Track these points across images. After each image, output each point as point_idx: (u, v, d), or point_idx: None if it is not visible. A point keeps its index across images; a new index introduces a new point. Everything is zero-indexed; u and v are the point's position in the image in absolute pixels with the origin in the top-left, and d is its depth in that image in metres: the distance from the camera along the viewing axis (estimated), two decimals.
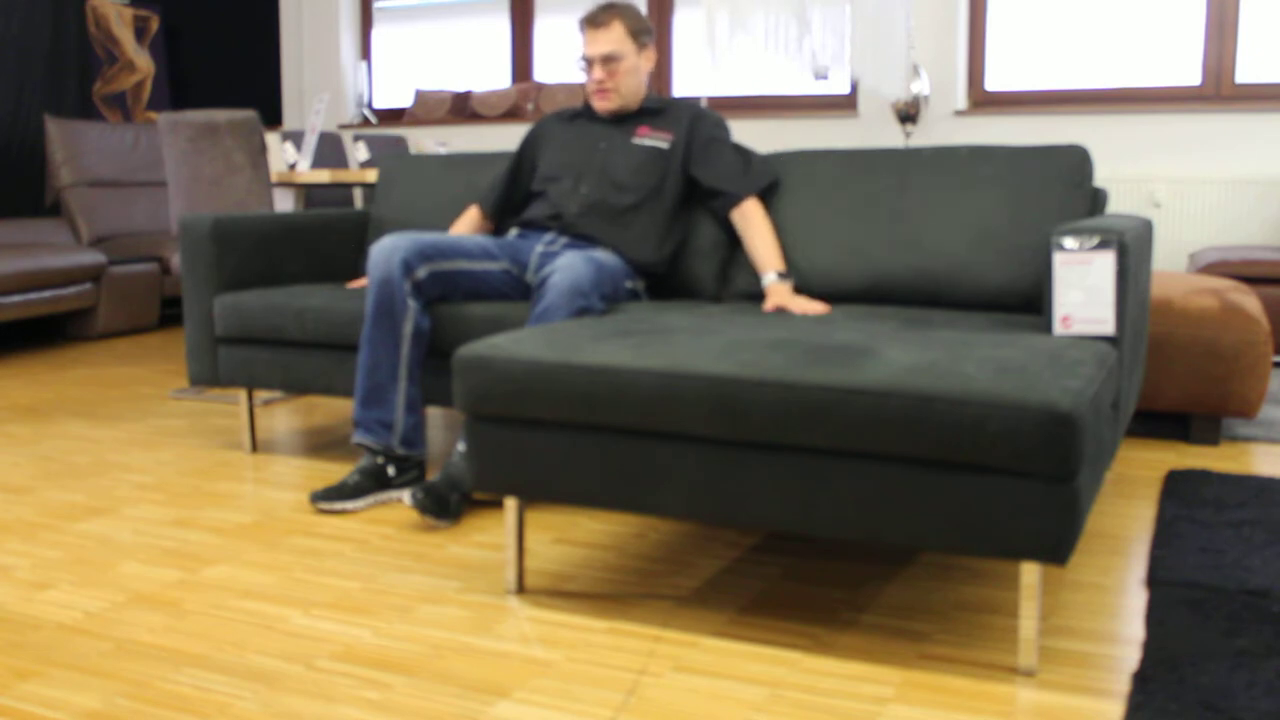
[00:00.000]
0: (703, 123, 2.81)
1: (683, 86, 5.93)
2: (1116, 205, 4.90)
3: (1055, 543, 1.59)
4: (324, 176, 3.91)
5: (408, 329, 2.54)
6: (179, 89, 7.05)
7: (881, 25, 4.95)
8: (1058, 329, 2.00)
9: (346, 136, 6.43)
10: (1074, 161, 2.54)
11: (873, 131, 5.36)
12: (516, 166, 2.98)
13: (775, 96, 5.68)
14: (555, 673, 1.69)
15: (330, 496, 2.51)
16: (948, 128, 5.22)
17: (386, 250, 2.53)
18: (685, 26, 5.89)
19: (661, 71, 5.94)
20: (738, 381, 1.73)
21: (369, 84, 6.64)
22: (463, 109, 6.27)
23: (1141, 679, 1.61)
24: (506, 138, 6.14)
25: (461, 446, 2.48)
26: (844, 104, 5.51)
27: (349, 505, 2.52)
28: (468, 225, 3.00)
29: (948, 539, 1.65)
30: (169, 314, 5.87)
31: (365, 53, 6.68)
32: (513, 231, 2.87)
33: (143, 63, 6.68)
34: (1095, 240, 1.95)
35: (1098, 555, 2.19)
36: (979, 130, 5.17)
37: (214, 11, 6.92)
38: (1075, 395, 1.57)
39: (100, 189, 5.74)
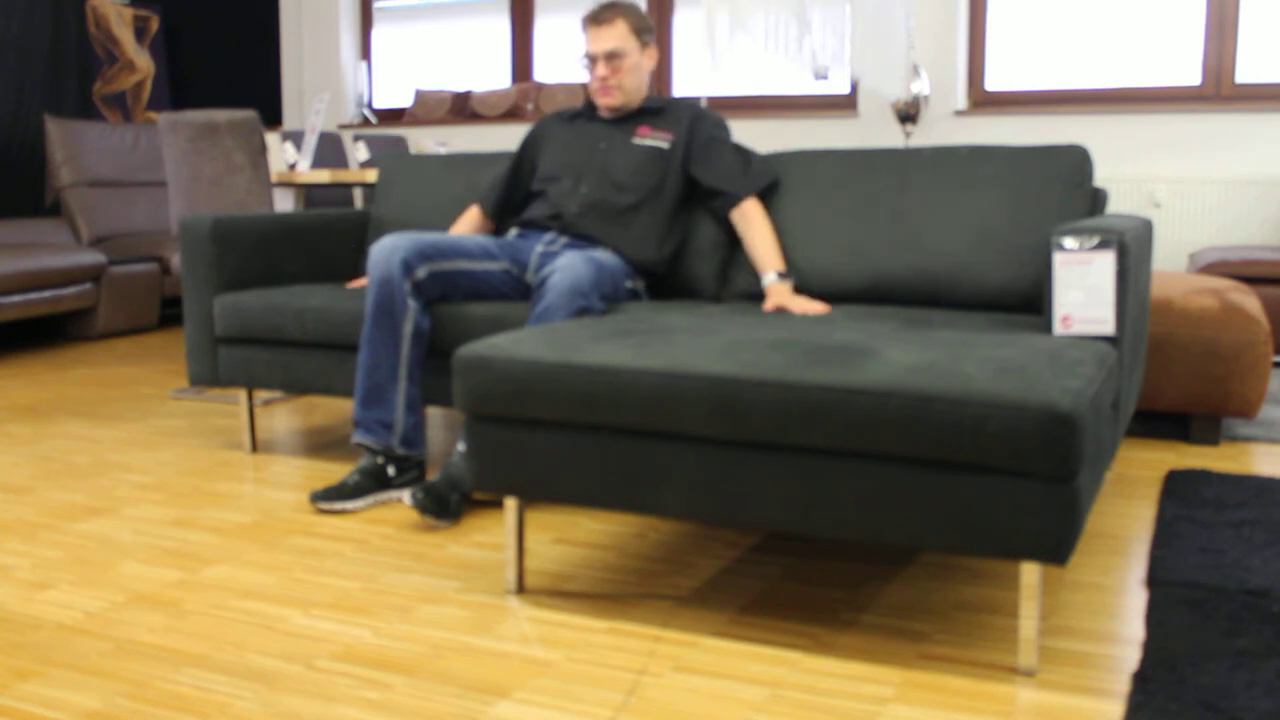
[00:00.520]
0: (703, 123, 2.81)
1: (683, 86, 5.93)
2: (1116, 205, 4.90)
3: (1055, 543, 1.59)
4: (324, 176, 3.91)
5: (408, 329, 2.54)
6: (179, 89, 7.05)
7: (881, 25, 4.95)
8: (1058, 329, 2.00)
9: (346, 136, 6.43)
10: (1074, 161, 2.54)
11: (873, 131, 5.36)
12: (517, 166, 2.98)
13: (775, 96, 5.68)
14: (555, 673, 1.69)
15: (330, 496, 2.51)
16: (948, 128, 5.22)
17: (386, 250, 2.53)
18: (685, 26, 5.89)
19: (661, 71, 5.94)
20: (738, 381, 1.73)
21: (369, 84, 6.64)
22: (463, 109, 6.27)
23: (1141, 679, 1.61)
24: (506, 138, 6.14)
25: (461, 446, 2.48)
26: (844, 104, 5.51)
27: (349, 505, 2.52)
28: (468, 225, 3.00)
29: (948, 539, 1.65)
30: (169, 314, 5.87)
31: (365, 53, 6.68)
32: (513, 231, 2.87)
33: (143, 63, 6.68)
34: (1095, 240, 1.95)
35: (1098, 555, 2.19)
36: (979, 130, 5.17)
37: (214, 11, 6.92)
38: (1075, 395, 1.57)
39: (100, 189, 5.74)
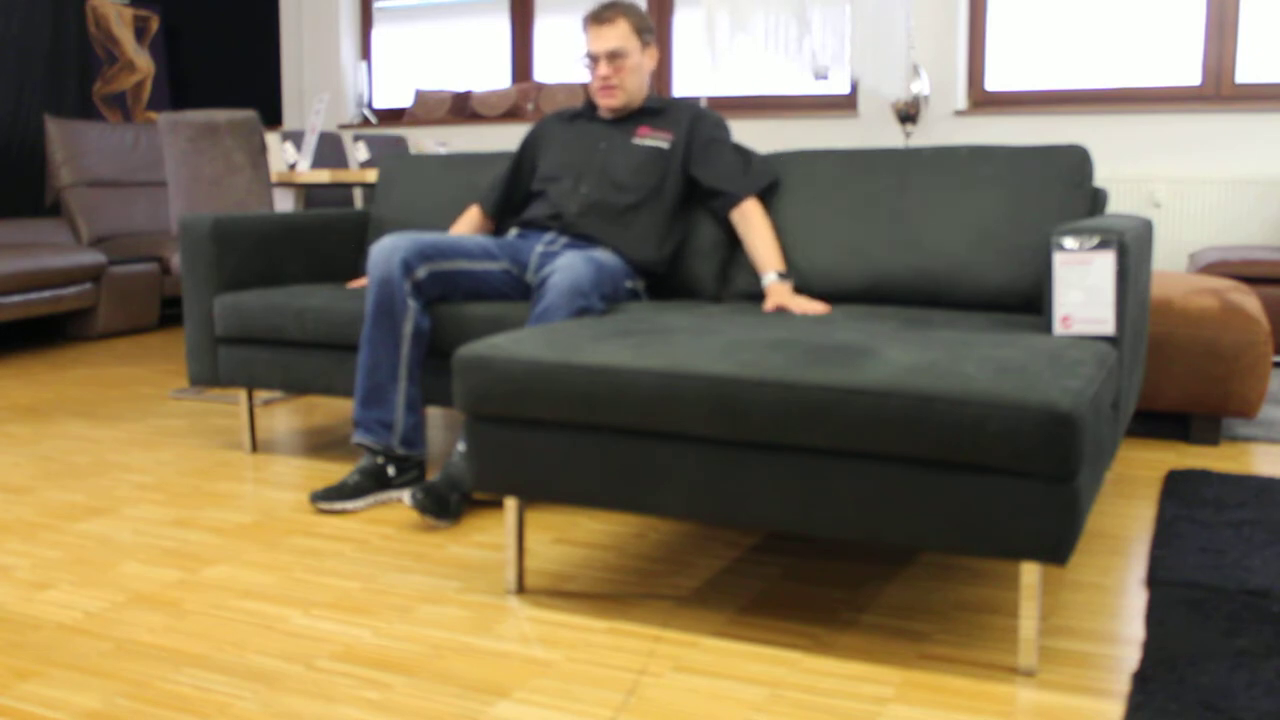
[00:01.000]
0: (703, 123, 2.81)
1: (683, 86, 5.93)
2: (1116, 205, 4.90)
3: (1055, 543, 1.59)
4: (324, 176, 3.91)
5: (408, 329, 2.54)
6: (179, 89, 7.05)
7: (881, 25, 4.95)
8: (1058, 329, 2.00)
9: (346, 136, 6.43)
10: (1074, 161, 2.54)
11: (873, 131, 5.36)
12: (517, 166, 2.98)
13: (775, 96, 5.68)
14: (555, 673, 1.69)
15: (330, 496, 2.51)
16: (948, 128, 5.22)
17: (386, 250, 2.53)
18: (685, 26, 5.89)
19: (661, 71, 5.94)
20: (738, 381, 1.73)
21: (369, 84, 6.64)
22: (463, 109, 6.27)
23: (1141, 679, 1.61)
24: (506, 138, 6.14)
25: (461, 446, 2.48)
26: (844, 104, 5.51)
27: (349, 505, 2.52)
28: (469, 225, 3.00)
29: (948, 539, 1.65)
30: (169, 314, 5.87)
31: (365, 53, 6.68)
32: (513, 231, 2.87)
33: (143, 63, 6.68)
34: (1095, 240, 1.95)
35: (1098, 555, 2.19)
36: (979, 130, 5.17)
37: (214, 11, 6.92)
38: (1075, 395, 1.57)
39: (100, 189, 5.74)
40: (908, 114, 5.01)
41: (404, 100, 6.62)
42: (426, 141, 6.30)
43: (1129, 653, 1.74)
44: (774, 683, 1.65)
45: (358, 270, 3.40)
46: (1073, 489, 1.58)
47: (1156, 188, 4.82)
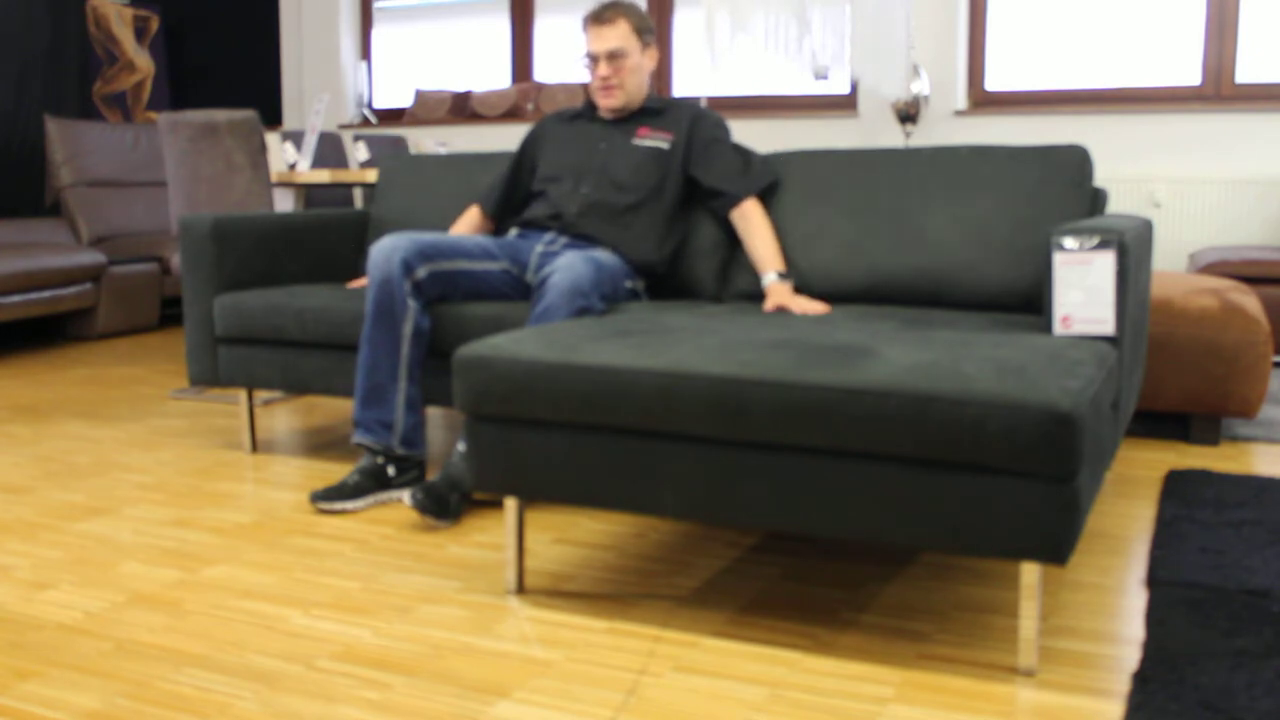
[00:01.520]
0: (703, 123, 2.81)
1: (683, 86, 5.93)
2: (1116, 205, 4.90)
3: (1055, 543, 1.59)
4: (324, 176, 3.91)
5: (408, 329, 2.54)
6: (179, 89, 7.05)
7: (881, 25, 4.95)
8: (1058, 329, 2.00)
9: (346, 136, 6.43)
10: (1074, 161, 2.54)
11: (873, 131, 5.36)
12: (516, 166, 2.98)
13: (775, 96, 5.68)
14: (555, 673, 1.69)
15: (330, 496, 2.51)
16: (948, 128, 5.22)
17: (386, 250, 2.53)
18: (685, 26, 5.89)
19: (661, 71, 5.94)
20: (738, 381, 1.73)
21: (369, 84, 6.64)
22: (463, 109, 6.27)
23: (1141, 679, 1.61)
24: (506, 138, 6.14)
25: (461, 446, 2.48)
26: (844, 104, 5.51)
27: (349, 505, 2.52)
28: (468, 225, 3.00)
29: (948, 539, 1.65)
30: (169, 314, 5.87)
31: (365, 53, 6.68)
32: (512, 232, 2.87)
33: (143, 63, 6.68)
34: (1095, 240, 1.95)
35: (1098, 555, 2.19)
36: (979, 130, 5.17)
37: (214, 11, 6.92)
38: (1075, 395, 1.57)
39: (100, 189, 5.74)
40: (908, 114, 5.01)
41: (404, 100, 6.62)
42: (426, 141, 6.30)
43: (1129, 653, 1.74)
44: (774, 683, 1.65)
45: (358, 270, 3.40)
46: (1073, 489, 1.58)
47: (1156, 188, 4.82)
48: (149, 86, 6.75)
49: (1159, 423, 3.27)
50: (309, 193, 4.99)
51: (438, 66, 6.54)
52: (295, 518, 2.48)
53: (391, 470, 2.57)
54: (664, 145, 2.79)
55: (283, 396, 3.87)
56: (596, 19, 2.77)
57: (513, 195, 3.00)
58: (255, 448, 3.10)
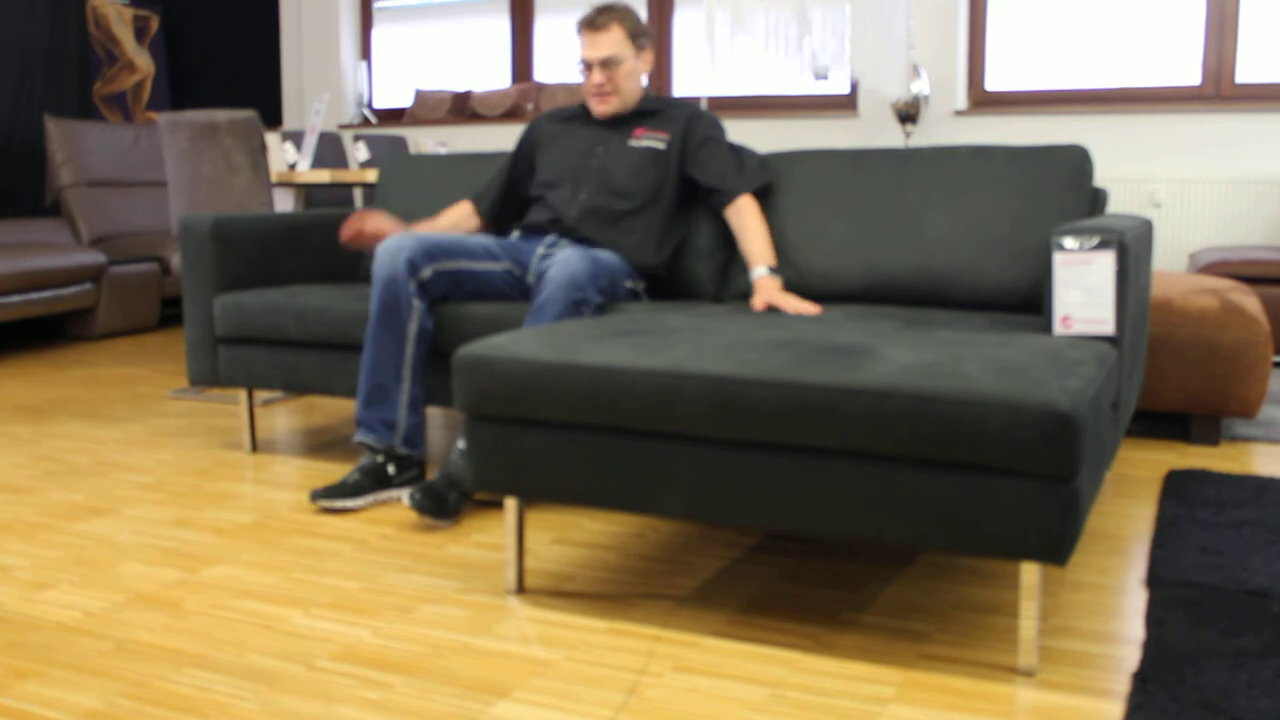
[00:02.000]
0: (698, 123, 2.81)
1: (683, 86, 5.93)
2: (1116, 205, 4.90)
3: (1055, 543, 1.59)
4: (324, 176, 3.92)
5: (412, 329, 2.54)
6: (179, 89, 7.05)
7: (881, 25, 4.95)
8: (1058, 329, 2.00)
9: (346, 136, 6.43)
10: (1074, 161, 2.54)
11: (873, 131, 5.36)
12: (512, 168, 2.98)
13: (775, 96, 5.68)
14: (555, 673, 1.69)
15: (330, 495, 2.51)
16: (948, 128, 5.22)
17: (392, 250, 2.53)
18: (685, 26, 5.89)
19: (661, 71, 5.94)
20: (738, 381, 1.73)
21: (369, 84, 6.64)
22: (463, 109, 6.27)
23: (1141, 679, 1.61)
24: (506, 138, 6.14)
25: (460, 445, 2.48)
26: (844, 104, 5.51)
27: (349, 504, 2.52)
28: (457, 216, 2.99)
29: (948, 539, 1.65)
30: (169, 314, 5.87)
31: (365, 53, 6.68)
32: (515, 234, 2.87)
33: (143, 63, 6.68)
34: (1095, 240, 1.95)
35: (1098, 555, 2.19)
36: (979, 130, 5.17)
37: (214, 11, 6.92)
38: (1075, 395, 1.57)
39: (100, 189, 5.74)
40: (908, 114, 5.01)
41: (404, 100, 6.62)
42: (426, 141, 6.30)
43: (1129, 653, 1.74)
44: (774, 683, 1.65)
45: (358, 270, 3.40)
46: (1073, 489, 1.58)
47: (1156, 188, 4.82)
48: (149, 86, 6.75)
49: (1159, 423, 3.27)
50: (309, 193, 4.99)
51: (438, 66, 6.54)
52: (295, 518, 2.48)
53: (392, 469, 2.57)
54: (660, 145, 2.79)
55: (283, 396, 3.87)
56: (590, 25, 2.76)
57: (509, 197, 3.00)
58: (255, 448, 3.10)
